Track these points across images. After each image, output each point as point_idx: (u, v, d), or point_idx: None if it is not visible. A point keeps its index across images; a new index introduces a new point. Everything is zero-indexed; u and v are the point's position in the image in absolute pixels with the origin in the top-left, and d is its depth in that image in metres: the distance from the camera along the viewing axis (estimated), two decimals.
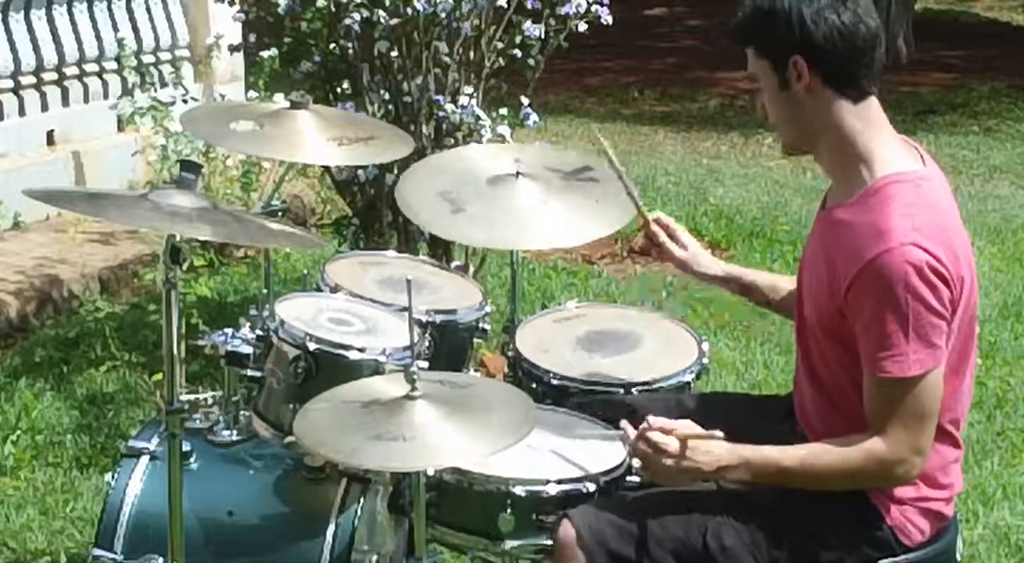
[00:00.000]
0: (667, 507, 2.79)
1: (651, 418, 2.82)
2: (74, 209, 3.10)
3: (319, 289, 3.40)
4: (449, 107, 5.04)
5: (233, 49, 5.78)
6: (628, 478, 2.90)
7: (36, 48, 7.05)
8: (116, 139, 7.41)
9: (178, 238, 2.79)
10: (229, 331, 3.18)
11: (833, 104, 2.76)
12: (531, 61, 5.25)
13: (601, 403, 3.13)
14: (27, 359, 5.54)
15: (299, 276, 5.74)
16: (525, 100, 5.21)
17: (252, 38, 5.55)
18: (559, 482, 2.82)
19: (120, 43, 7.38)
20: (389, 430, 2.60)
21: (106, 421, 4.98)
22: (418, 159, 3.81)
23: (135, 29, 7.61)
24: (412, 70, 5.08)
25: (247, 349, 3.14)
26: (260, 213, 3.26)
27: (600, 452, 2.93)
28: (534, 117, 5.20)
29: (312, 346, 3.05)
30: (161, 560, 2.99)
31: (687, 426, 2.80)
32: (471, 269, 5.04)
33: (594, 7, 5.12)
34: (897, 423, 2.68)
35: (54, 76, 7.24)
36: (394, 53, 5.07)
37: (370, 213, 5.38)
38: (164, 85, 7.36)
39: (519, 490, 2.79)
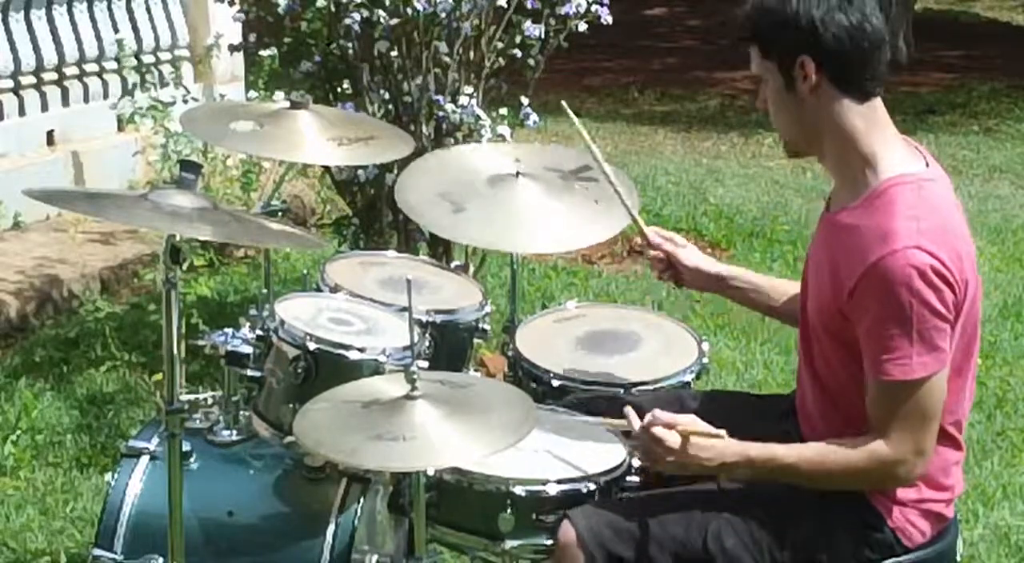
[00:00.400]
0: (667, 508, 2.79)
1: (656, 412, 2.82)
2: (74, 209, 3.10)
3: (319, 289, 3.40)
4: (449, 107, 5.04)
5: (233, 49, 5.78)
6: (628, 478, 2.90)
7: (36, 48, 7.05)
8: (116, 139, 7.41)
9: (178, 238, 2.79)
10: (229, 331, 3.18)
11: (838, 105, 2.75)
12: (531, 61, 5.25)
13: (602, 403, 3.12)
14: (27, 359, 5.54)
15: (299, 276, 5.74)
16: (525, 100, 5.21)
17: (252, 38, 5.54)
18: (559, 482, 2.82)
19: (120, 43, 7.38)
20: (389, 430, 2.60)
21: (106, 421, 4.98)
22: (418, 159, 3.81)
23: (135, 29, 7.61)
24: (412, 70, 5.08)
25: (247, 349, 3.14)
26: (260, 213, 3.26)
27: (600, 452, 2.93)
28: (534, 117, 5.20)
29: (312, 346, 3.05)
30: (161, 560, 2.99)
31: (691, 422, 2.80)
32: (471, 269, 5.04)
33: (594, 7, 5.12)
34: (900, 425, 2.68)
35: (54, 76, 7.24)
36: (394, 53, 5.07)
37: (370, 213, 5.38)
38: (164, 85, 7.36)
39: (519, 490, 2.79)
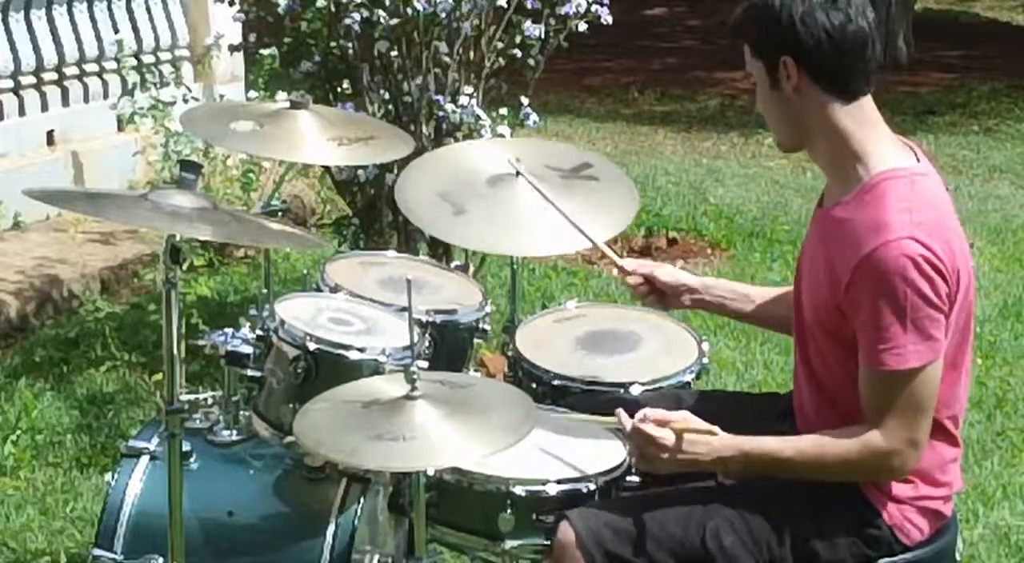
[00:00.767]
0: (666, 507, 2.79)
1: (647, 410, 2.82)
2: (74, 209, 3.10)
3: (319, 289, 3.40)
4: (449, 107, 5.04)
5: (233, 49, 5.79)
6: (628, 478, 2.90)
7: (36, 48, 7.05)
8: (116, 139, 7.41)
9: (178, 238, 2.79)
10: (229, 331, 3.18)
11: (823, 105, 2.76)
12: (531, 61, 5.25)
13: (602, 403, 3.12)
14: (27, 359, 5.54)
15: (299, 276, 5.74)
16: (525, 100, 5.21)
17: (252, 38, 5.55)
18: (559, 482, 2.82)
19: (120, 43, 7.38)
20: (389, 430, 2.60)
21: (106, 421, 4.98)
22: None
23: (135, 29, 7.61)
24: (412, 70, 5.08)
25: (247, 349, 3.14)
26: (260, 213, 3.26)
27: (600, 452, 2.93)
28: (534, 117, 5.20)
29: (312, 346, 3.05)
30: (161, 560, 2.99)
31: (683, 418, 2.80)
32: (471, 269, 5.04)
33: (594, 7, 5.13)
34: (894, 415, 2.69)
35: (54, 76, 7.25)
36: (394, 53, 5.07)
37: (370, 213, 5.38)
38: (164, 85, 7.36)
39: (519, 490, 2.79)
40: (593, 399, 3.17)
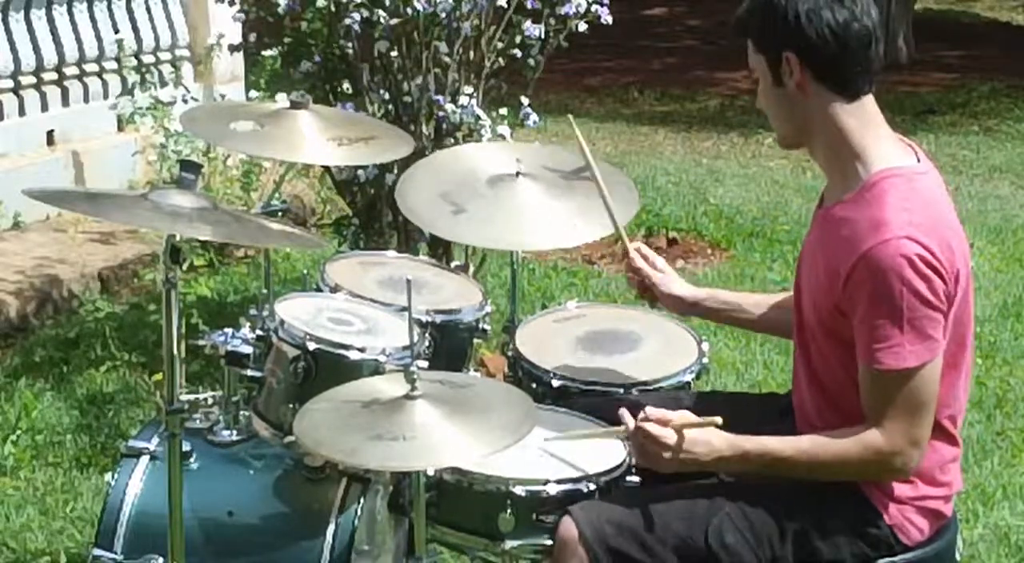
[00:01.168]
0: (668, 504, 2.80)
1: (648, 409, 2.82)
2: (74, 209, 3.10)
3: (319, 289, 3.40)
4: (449, 107, 5.04)
5: (233, 49, 5.78)
6: (628, 478, 2.90)
7: (36, 48, 7.05)
8: (116, 139, 7.42)
9: (178, 238, 2.79)
10: (229, 331, 3.18)
11: (825, 102, 2.76)
12: (531, 61, 5.25)
13: (602, 403, 3.12)
14: (27, 359, 5.54)
15: (299, 276, 5.74)
16: (525, 100, 5.21)
17: (252, 38, 5.55)
18: (559, 482, 2.82)
19: (120, 43, 7.38)
20: (389, 430, 2.60)
21: (106, 421, 4.98)
22: (418, 159, 3.81)
23: (135, 29, 7.61)
24: (412, 70, 5.08)
25: (247, 349, 3.14)
26: (260, 213, 3.26)
27: (600, 452, 2.93)
28: (534, 117, 5.20)
29: (312, 346, 3.05)
30: (161, 560, 2.99)
31: (684, 416, 2.80)
32: (471, 269, 5.03)
33: (594, 7, 5.12)
34: (894, 415, 2.69)
35: (54, 76, 7.25)
36: (394, 53, 5.07)
37: (370, 213, 5.38)
38: (164, 85, 7.36)
39: (519, 490, 2.79)
40: (593, 399, 3.17)
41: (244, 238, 3.76)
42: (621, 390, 3.22)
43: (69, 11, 7.27)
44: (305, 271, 4.27)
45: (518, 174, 3.32)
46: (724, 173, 9.01)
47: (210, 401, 3.28)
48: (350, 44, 5.08)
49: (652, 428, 2.79)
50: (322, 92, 5.24)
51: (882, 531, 2.78)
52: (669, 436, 2.78)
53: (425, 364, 2.91)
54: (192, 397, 3.23)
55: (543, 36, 5.17)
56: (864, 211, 2.71)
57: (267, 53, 5.84)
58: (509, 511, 2.78)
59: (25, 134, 7.05)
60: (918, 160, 2.82)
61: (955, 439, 2.85)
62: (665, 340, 3.46)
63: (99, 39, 7.39)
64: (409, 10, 4.92)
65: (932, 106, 11.60)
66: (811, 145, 2.85)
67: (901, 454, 2.71)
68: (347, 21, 4.93)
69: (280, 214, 3.28)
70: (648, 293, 3.30)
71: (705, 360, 3.38)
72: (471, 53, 5.17)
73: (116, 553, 3.06)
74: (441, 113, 5.06)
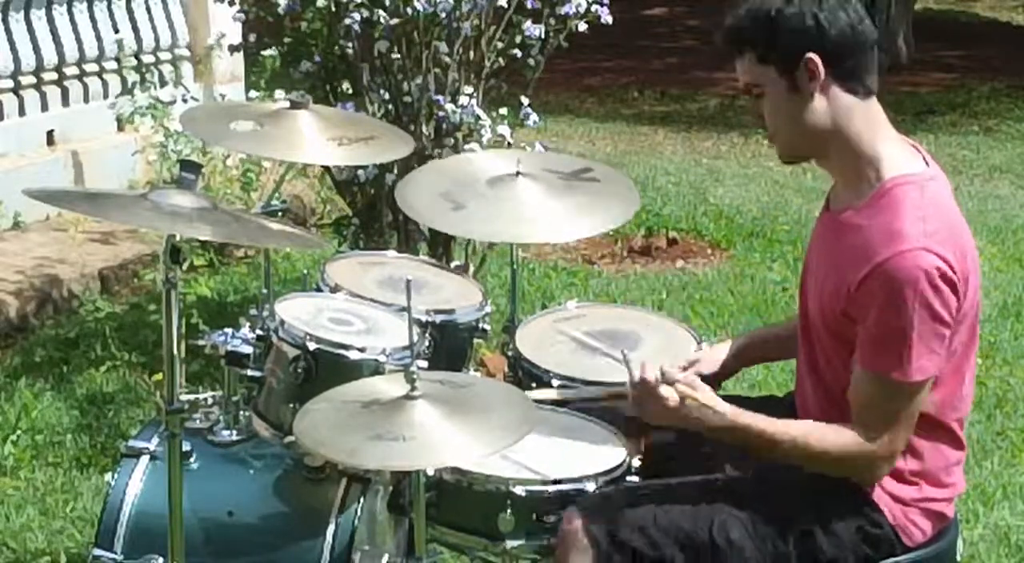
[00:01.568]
0: (673, 499, 2.80)
1: (665, 368, 2.82)
2: (74, 209, 3.10)
3: (319, 289, 3.40)
4: (449, 107, 5.04)
5: (233, 49, 5.78)
6: (628, 478, 2.90)
7: (36, 48, 7.05)
8: (116, 139, 7.41)
9: (178, 238, 2.79)
10: (229, 331, 3.18)
11: (843, 104, 2.76)
12: (531, 61, 5.24)
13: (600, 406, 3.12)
14: (27, 359, 5.54)
15: (299, 276, 5.74)
16: (525, 100, 5.21)
17: (252, 38, 5.54)
18: (559, 482, 2.82)
19: (120, 43, 7.38)
20: (389, 430, 2.60)
21: (106, 421, 4.98)
22: (418, 159, 3.81)
23: (135, 29, 7.61)
24: (412, 70, 5.08)
25: (247, 349, 3.14)
26: (260, 213, 3.26)
27: (600, 452, 2.93)
28: (534, 117, 5.20)
29: (312, 346, 3.05)
30: (161, 560, 2.99)
31: (690, 383, 2.81)
32: (471, 269, 5.04)
33: (594, 7, 5.12)
34: (889, 424, 2.71)
35: (54, 76, 7.24)
36: (394, 53, 5.07)
37: (370, 213, 5.38)
38: (164, 85, 7.36)
39: (519, 490, 2.79)
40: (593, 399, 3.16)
41: (244, 238, 3.76)
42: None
43: (69, 11, 7.26)
44: (305, 271, 4.27)
45: (518, 174, 3.32)
46: (724, 173, 9.01)
47: (210, 401, 3.28)
48: (350, 44, 5.08)
49: (660, 388, 2.79)
50: (322, 92, 5.24)
51: (885, 532, 2.78)
52: (672, 396, 2.79)
53: (425, 364, 2.91)
54: (192, 397, 3.23)
55: (543, 36, 5.17)
56: (877, 219, 2.71)
57: (267, 53, 5.84)
58: (509, 511, 2.78)
59: (25, 134, 7.05)
60: (926, 164, 2.82)
61: (960, 442, 2.86)
62: (665, 340, 3.46)
63: (99, 39, 7.39)
64: (409, 10, 4.92)
65: (932, 106, 11.60)
66: (822, 152, 2.84)
67: (878, 464, 2.75)
68: (347, 21, 4.93)
69: (280, 214, 3.28)
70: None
71: None
72: (471, 53, 5.17)
73: (116, 553, 3.06)
74: (441, 113, 5.06)
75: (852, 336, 2.73)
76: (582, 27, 5.17)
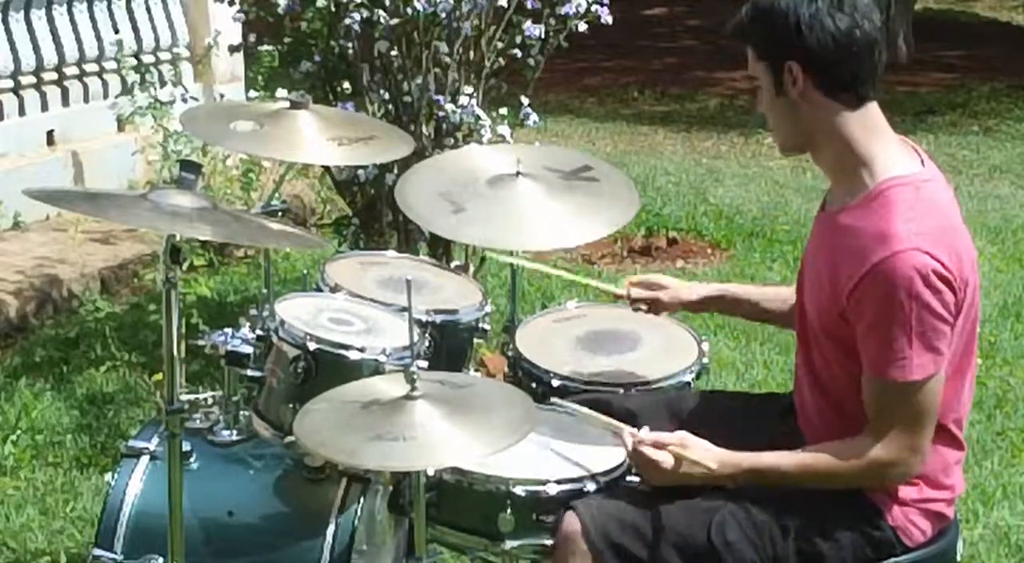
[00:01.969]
0: (671, 500, 2.79)
1: (645, 433, 2.82)
2: (74, 209, 3.10)
3: (319, 289, 3.40)
4: (449, 107, 5.04)
5: (233, 49, 5.78)
6: (628, 478, 2.90)
7: (36, 48, 7.05)
8: (116, 139, 7.41)
9: (178, 238, 2.79)
10: (229, 331, 3.18)
11: (829, 110, 2.75)
12: (531, 61, 5.24)
13: (602, 404, 3.12)
14: (27, 359, 5.54)
15: (299, 276, 5.74)
16: (525, 100, 5.21)
17: (252, 38, 5.55)
18: (559, 482, 2.82)
19: (120, 43, 7.37)
20: (389, 430, 2.60)
21: (106, 421, 4.98)
22: (418, 159, 3.81)
23: (135, 29, 7.61)
24: (412, 70, 5.08)
25: (247, 349, 3.14)
26: (260, 213, 3.26)
27: (600, 452, 2.93)
28: (534, 117, 5.20)
29: (312, 346, 3.05)
30: (161, 560, 2.99)
31: (680, 441, 2.80)
32: (471, 269, 5.04)
33: (594, 7, 5.12)
34: (897, 426, 2.69)
35: (54, 76, 7.24)
36: (394, 53, 5.07)
37: (370, 213, 5.38)
38: (164, 85, 7.36)
39: (519, 490, 2.79)
40: (593, 399, 3.16)
41: (244, 238, 3.76)
42: (621, 390, 3.22)
43: (69, 11, 7.26)
44: (305, 271, 4.27)
45: (518, 174, 3.31)
46: (724, 173, 9.00)
47: (210, 401, 3.28)
48: (350, 44, 5.08)
49: (649, 452, 2.79)
50: (322, 92, 5.24)
51: (885, 533, 2.78)
52: (666, 460, 2.78)
53: (425, 364, 2.91)
54: (192, 397, 3.23)
55: (543, 36, 5.17)
56: (870, 220, 2.70)
57: (264, 48, 5.83)
58: (509, 511, 2.78)
59: (25, 134, 7.05)
60: (923, 165, 2.81)
61: (960, 443, 2.85)
62: (665, 340, 3.46)
63: (99, 39, 7.39)
64: (409, 10, 4.92)
65: (932, 106, 11.59)
66: (815, 151, 2.83)
67: (903, 464, 2.72)
68: (347, 21, 4.93)
69: (280, 214, 3.28)
70: (663, 308, 3.32)
71: (705, 360, 3.38)
72: (471, 53, 5.17)
73: (116, 553, 3.06)
74: (441, 113, 5.06)
75: (849, 337, 2.73)
76: (582, 27, 5.17)
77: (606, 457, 2.91)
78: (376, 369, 3.03)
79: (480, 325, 3.42)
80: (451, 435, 2.63)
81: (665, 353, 3.40)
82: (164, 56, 7.79)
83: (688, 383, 3.31)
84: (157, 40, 7.73)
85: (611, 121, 11.08)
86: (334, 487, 3.09)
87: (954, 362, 2.74)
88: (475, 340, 3.46)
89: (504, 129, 5.12)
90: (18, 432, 4.89)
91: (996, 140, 10.45)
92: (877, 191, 2.73)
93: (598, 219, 3.29)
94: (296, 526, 3.09)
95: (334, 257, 3.68)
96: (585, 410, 3.03)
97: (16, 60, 6.95)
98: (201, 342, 3.19)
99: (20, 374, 5.36)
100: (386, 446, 2.58)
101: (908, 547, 2.80)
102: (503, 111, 5.26)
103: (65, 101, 7.29)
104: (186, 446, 2.96)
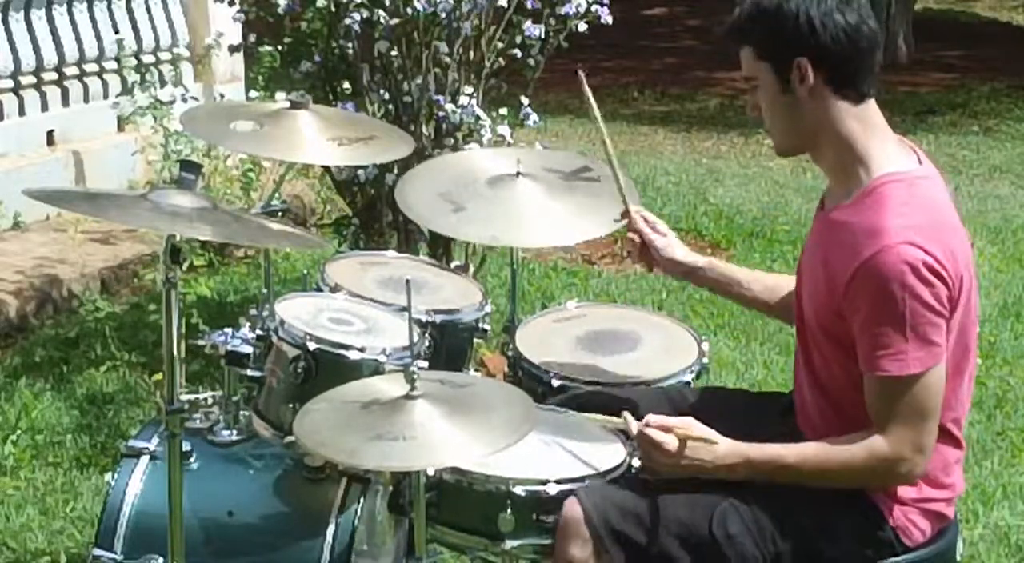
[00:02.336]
0: (673, 491, 2.79)
1: (651, 416, 2.82)
2: (74, 209, 3.10)
3: (319, 289, 3.40)
4: (449, 107, 5.04)
5: (233, 49, 5.78)
6: (638, 474, 2.89)
7: (36, 48, 7.05)
8: (116, 139, 7.41)
9: (178, 238, 2.79)
10: (229, 331, 3.18)
11: (834, 106, 2.76)
12: (531, 61, 5.25)
13: (603, 399, 3.12)
14: (27, 359, 5.54)
15: (299, 276, 5.74)
16: (525, 100, 5.21)
17: (252, 38, 5.55)
18: (559, 482, 2.82)
19: (120, 43, 7.38)
20: (389, 430, 2.60)
21: (106, 421, 4.98)
22: (418, 159, 3.81)
23: (135, 29, 7.61)
24: (412, 70, 5.08)
25: (247, 349, 3.14)
26: (260, 213, 3.26)
27: (600, 452, 2.93)
28: (534, 117, 5.20)
29: (312, 346, 3.05)
30: (161, 560, 2.99)
31: (686, 425, 2.80)
32: (471, 269, 5.04)
33: (594, 7, 5.13)
34: (899, 422, 2.69)
35: (54, 76, 7.24)
36: (394, 53, 5.07)
37: (370, 213, 5.38)
38: (164, 85, 7.36)
39: (519, 490, 2.79)
40: (591, 399, 3.16)
41: (244, 238, 3.76)
42: (621, 390, 3.21)
43: (69, 11, 7.26)
44: (305, 271, 4.27)
45: (518, 174, 3.32)
46: (724, 173, 9.01)
47: (210, 401, 3.29)
48: (350, 44, 5.08)
49: (654, 434, 2.79)
50: (322, 92, 5.24)
51: (885, 533, 2.78)
52: (671, 442, 2.78)
53: (425, 364, 2.92)
54: (192, 397, 3.23)
55: (543, 36, 5.17)
56: (862, 216, 2.71)
57: (264, 48, 5.84)
58: (509, 511, 2.78)
59: (25, 134, 7.05)
60: (920, 163, 2.81)
61: (959, 442, 2.85)
62: (665, 340, 3.46)
63: (99, 39, 7.39)
64: (409, 10, 4.92)
65: (932, 106, 11.59)
66: (815, 150, 2.84)
67: (907, 461, 2.71)
68: (347, 21, 4.93)
69: (280, 214, 3.29)
70: (647, 257, 3.21)
71: (705, 360, 3.38)
72: (471, 53, 5.17)
73: (116, 553, 3.06)
74: (441, 113, 5.06)
75: (847, 336, 2.73)
76: (582, 27, 5.17)
77: (607, 456, 2.91)
78: (376, 369, 3.03)
79: (480, 325, 3.42)
80: (451, 435, 2.63)
81: (665, 353, 3.40)
82: (164, 56, 7.79)
83: (688, 383, 3.31)
84: (157, 40, 7.73)
85: (611, 121, 11.06)
86: (334, 487, 3.09)
87: (953, 361, 2.74)
88: (475, 340, 3.46)
89: (504, 129, 5.12)
90: (18, 432, 4.89)
91: (996, 140, 10.45)
92: (872, 188, 2.74)
93: (598, 218, 3.29)
94: (296, 526, 3.09)
95: (334, 257, 3.68)
96: (584, 415, 3.02)
97: (16, 60, 6.95)
98: (201, 342, 3.19)
99: (20, 374, 5.36)
100: (386, 446, 2.58)
101: (908, 547, 2.80)
102: (503, 111, 5.27)
103: (65, 101, 7.29)
104: (186, 446, 2.96)
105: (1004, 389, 5.43)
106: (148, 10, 7.72)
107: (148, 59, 7.64)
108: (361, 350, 3.06)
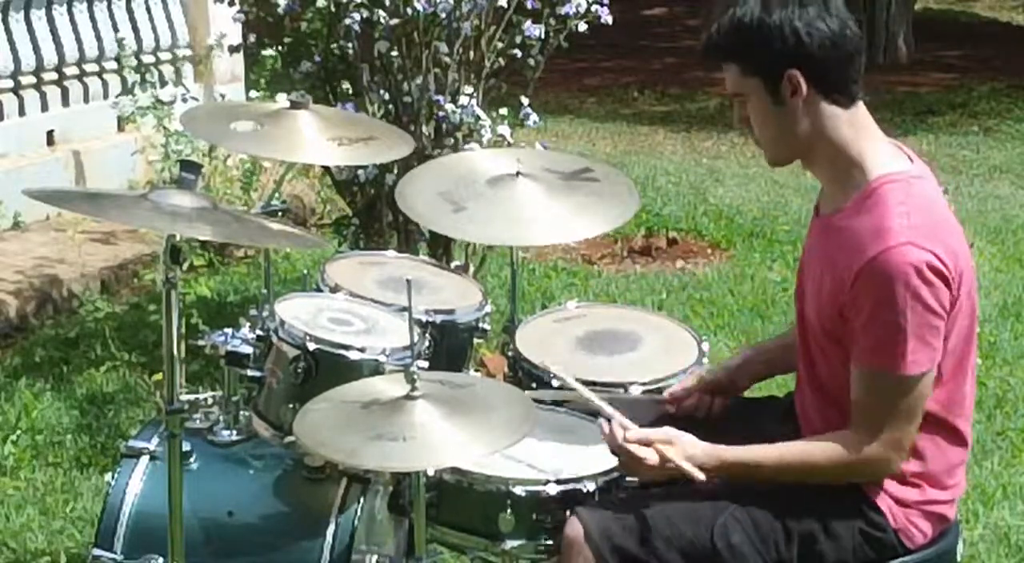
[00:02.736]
0: (674, 505, 2.80)
1: (629, 432, 2.81)
2: (74, 209, 3.10)
3: (319, 289, 3.40)
4: (449, 107, 5.04)
5: (233, 50, 5.79)
6: (628, 478, 2.90)
7: (36, 48, 7.05)
8: (116, 139, 7.42)
9: (178, 238, 2.79)
10: (229, 331, 3.18)
11: (826, 113, 2.76)
12: (531, 61, 5.25)
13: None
14: (27, 359, 5.54)
15: (299, 276, 5.74)
16: (525, 100, 5.22)
17: (252, 38, 5.55)
18: (559, 482, 2.82)
19: (120, 43, 7.38)
20: (389, 430, 2.60)
21: (106, 421, 4.98)
22: (418, 159, 3.82)
23: (135, 29, 7.61)
24: (412, 70, 5.08)
25: (247, 349, 3.14)
26: (260, 213, 3.26)
27: (600, 452, 2.93)
28: (534, 117, 5.20)
29: (312, 346, 3.05)
30: (161, 560, 2.99)
31: (665, 437, 2.79)
32: (471, 269, 5.04)
33: (594, 7, 5.13)
34: (887, 422, 2.70)
35: (54, 76, 7.25)
36: (394, 53, 5.07)
37: (370, 213, 5.38)
38: (164, 85, 7.36)
39: (519, 490, 2.79)
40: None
41: (244, 238, 3.77)
42: (621, 390, 3.21)
43: (69, 11, 7.27)
44: (305, 271, 4.27)
45: (518, 174, 3.32)
46: (724, 173, 9.00)
47: (210, 401, 3.28)
48: (350, 44, 5.08)
49: (636, 449, 2.79)
50: (322, 92, 5.24)
51: (887, 535, 2.78)
52: (651, 457, 2.78)
53: (425, 364, 2.92)
54: (192, 397, 3.23)
55: (543, 36, 5.17)
56: (864, 218, 2.71)
57: (267, 52, 5.84)
58: (509, 511, 2.78)
59: (25, 134, 7.05)
60: (912, 162, 2.82)
61: (965, 441, 2.86)
62: (665, 340, 3.46)
63: (99, 39, 7.39)
64: (409, 10, 4.92)
65: (932, 106, 11.59)
66: (809, 158, 2.84)
67: (887, 460, 2.73)
68: (347, 21, 4.94)
69: (280, 214, 3.29)
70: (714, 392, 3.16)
71: (705, 360, 3.37)
72: (471, 53, 5.17)
73: (116, 553, 3.06)
74: (441, 113, 5.06)
75: (849, 337, 2.73)
76: (582, 27, 5.17)
77: (606, 457, 2.91)
78: (376, 369, 3.03)
79: (480, 325, 3.42)
80: (451, 435, 2.63)
81: (665, 353, 3.40)
82: (164, 56, 7.79)
83: None
84: (157, 40, 7.73)
85: (611, 121, 11.08)
86: (334, 487, 3.08)
87: (954, 361, 2.74)
88: (475, 340, 3.46)
89: (504, 129, 5.12)
90: (18, 432, 4.89)
91: (996, 140, 10.44)
92: (870, 189, 2.74)
93: (597, 217, 3.30)
94: (296, 526, 3.09)
95: (334, 257, 3.68)
96: (581, 387, 3.01)
97: (16, 60, 6.95)
98: (201, 342, 3.19)
99: (20, 374, 5.36)
100: (386, 446, 2.58)
101: (909, 549, 2.80)
102: (503, 111, 5.27)
103: (65, 101, 7.29)
104: (186, 446, 2.96)
105: (1004, 389, 5.43)
106: (148, 10, 7.73)
107: (148, 59, 7.65)
108: (361, 350, 3.06)
